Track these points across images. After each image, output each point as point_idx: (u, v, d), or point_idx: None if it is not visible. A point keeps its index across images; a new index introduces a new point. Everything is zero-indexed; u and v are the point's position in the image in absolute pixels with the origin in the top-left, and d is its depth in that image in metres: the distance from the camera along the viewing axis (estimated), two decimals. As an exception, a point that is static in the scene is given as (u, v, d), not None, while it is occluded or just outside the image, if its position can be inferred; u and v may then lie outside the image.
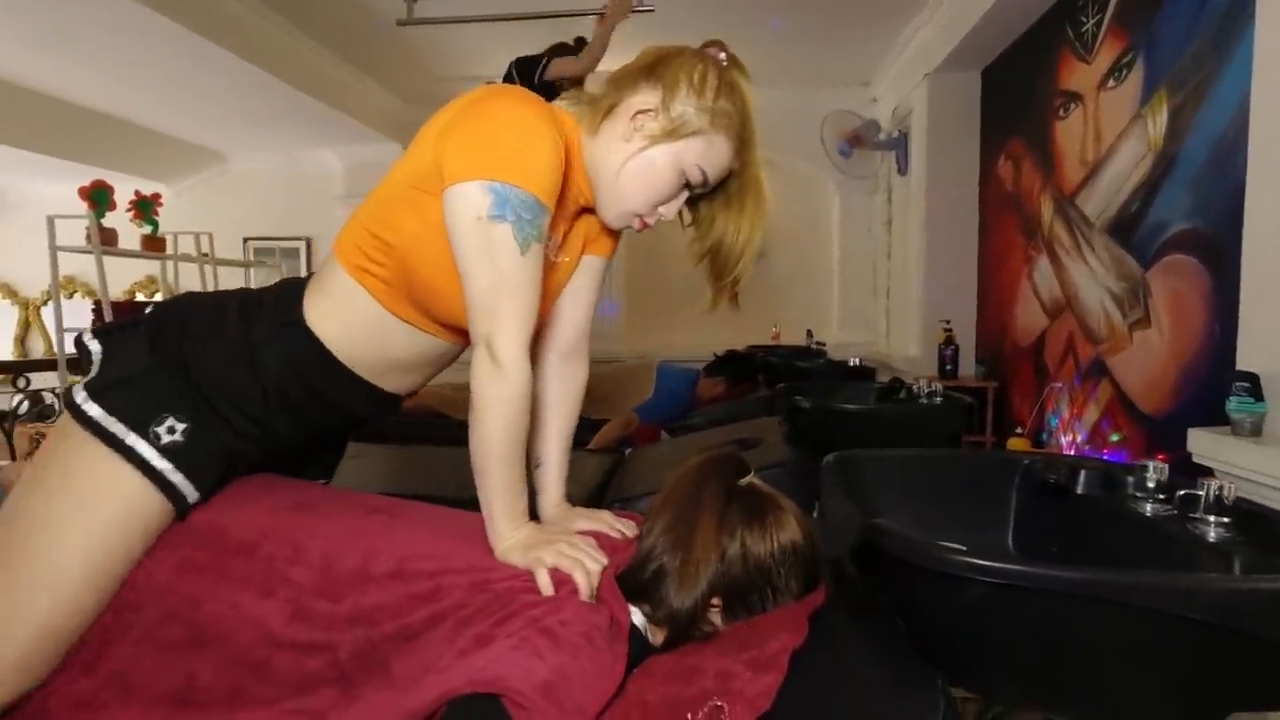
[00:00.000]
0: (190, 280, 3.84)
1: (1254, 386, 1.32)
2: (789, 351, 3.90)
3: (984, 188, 3.49)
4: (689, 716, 0.56)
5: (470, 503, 0.97)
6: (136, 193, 3.32)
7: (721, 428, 2.22)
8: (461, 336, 0.88)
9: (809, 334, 4.76)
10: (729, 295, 0.89)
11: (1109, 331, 2.33)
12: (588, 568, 0.73)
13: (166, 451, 0.77)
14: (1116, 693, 0.61)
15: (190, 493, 0.79)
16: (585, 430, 2.63)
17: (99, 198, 3.05)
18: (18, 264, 5.63)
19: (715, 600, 0.73)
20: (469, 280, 0.75)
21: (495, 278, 0.74)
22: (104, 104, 4.15)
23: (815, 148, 4.33)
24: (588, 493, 1.75)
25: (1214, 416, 1.74)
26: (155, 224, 3.37)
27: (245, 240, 5.31)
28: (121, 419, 0.76)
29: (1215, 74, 1.84)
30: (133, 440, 0.76)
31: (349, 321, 0.83)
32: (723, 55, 0.84)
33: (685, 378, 2.91)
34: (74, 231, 2.98)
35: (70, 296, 5.86)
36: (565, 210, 0.86)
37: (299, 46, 3.70)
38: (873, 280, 4.75)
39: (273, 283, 0.92)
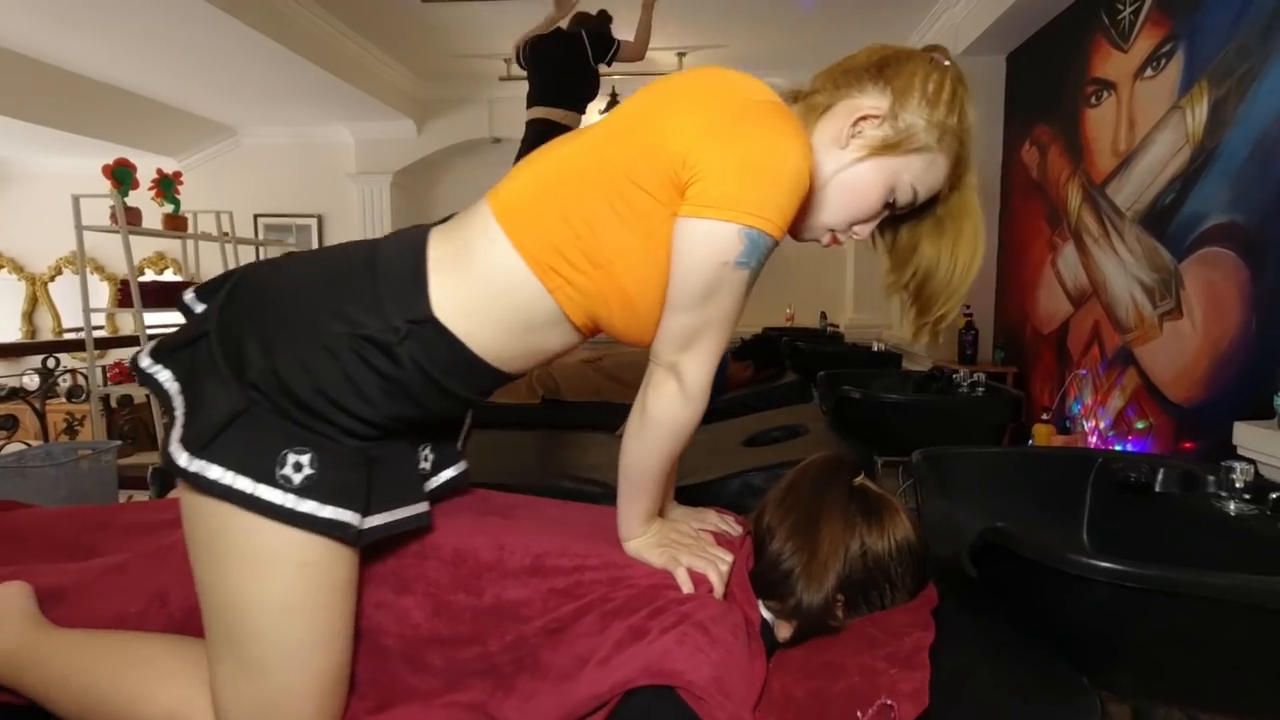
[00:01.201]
0: (209, 258, 3.82)
1: (1304, 383, 1.36)
2: (806, 334, 3.94)
3: (1006, 173, 3.50)
4: (859, 714, 0.60)
5: (525, 489, 1.00)
6: (158, 171, 3.30)
7: (761, 414, 2.25)
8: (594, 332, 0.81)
9: (823, 316, 4.79)
10: (932, 332, 0.83)
11: (1137, 321, 2.36)
12: (719, 568, 0.77)
13: (303, 489, 0.68)
14: (1235, 685, 0.65)
15: (351, 518, 0.70)
16: (617, 414, 2.66)
17: (122, 176, 3.03)
18: (23, 238, 5.57)
19: (839, 596, 0.77)
20: (681, 313, 0.70)
21: (711, 316, 0.70)
22: (109, 75, 4.08)
23: (832, 129, 4.31)
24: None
25: (1247, 408, 1.79)
26: (177, 203, 3.35)
27: (255, 217, 5.27)
28: (243, 472, 0.67)
29: (1261, 68, 1.85)
30: (263, 493, 0.67)
31: (502, 313, 0.72)
32: (947, 63, 0.76)
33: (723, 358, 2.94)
34: (89, 209, 2.94)
35: (78, 273, 5.83)
36: None
37: (312, 18, 3.63)
38: (882, 263, 4.77)
39: (360, 244, 0.78)
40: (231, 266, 3.50)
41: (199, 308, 0.76)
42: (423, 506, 0.79)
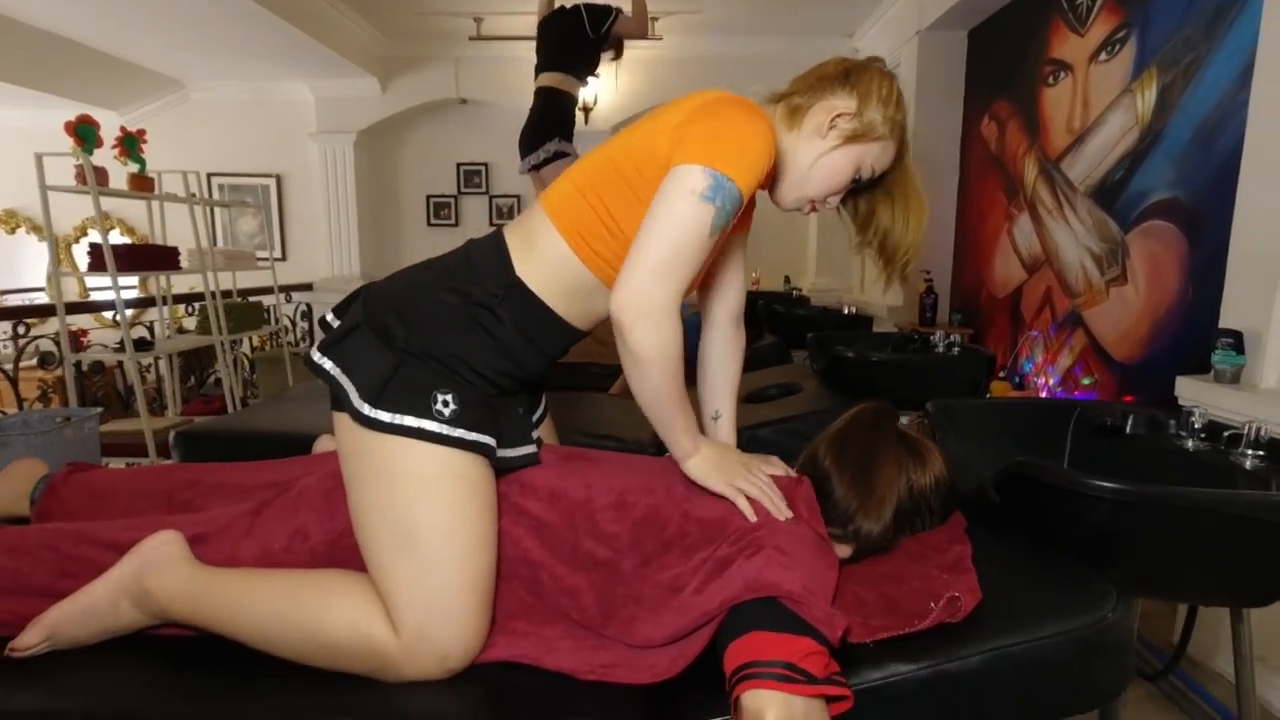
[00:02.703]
0: (177, 219, 3.71)
1: (1237, 342, 1.58)
2: (774, 298, 4.11)
3: (966, 146, 3.70)
4: (932, 605, 0.74)
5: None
6: (122, 129, 3.17)
7: (749, 374, 2.40)
8: None
9: (787, 280, 4.99)
10: (900, 276, 1.03)
11: (1086, 287, 2.60)
12: (772, 496, 0.89)
13: (452, 420, 0.86)
14: (1210, 577, 0.83)
15: (488, 440, 0.88)
16: (606, 377, 2.78)
17: (85, 134, 2.91)
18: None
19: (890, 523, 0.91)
20: (653, 234, 0.83)
21: (680, 245, 0.83)
22: (37, 19, 3.82)
23: (797, 97, 4.45)
24: (650, 436, 1.92)
25: (1182, 365, 2.03)
26: (142, 162, 3.23)
27: (209, 176, 5.08)
28: (407, 412, 0.85)
29: (1205, 58, 2.05)
30: (426, 424, 0.85)
31: (560, 281, 0.93)
32: (887, 70, 0.96)
33: (695, 324, 3.07)
34: (32, 166, 2.80)
35: (12, 232, 5.51)
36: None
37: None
38: (848, 229, 4.96)
39: (453, 250, 0.99)
40: (200, 228, 3.43)
41: (335, 322, 0.97)
42: (532, 447, 0.96)
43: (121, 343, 3.04)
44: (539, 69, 2.83)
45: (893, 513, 0.90)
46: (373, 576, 0.85)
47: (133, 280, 4.89)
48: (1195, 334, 2.04)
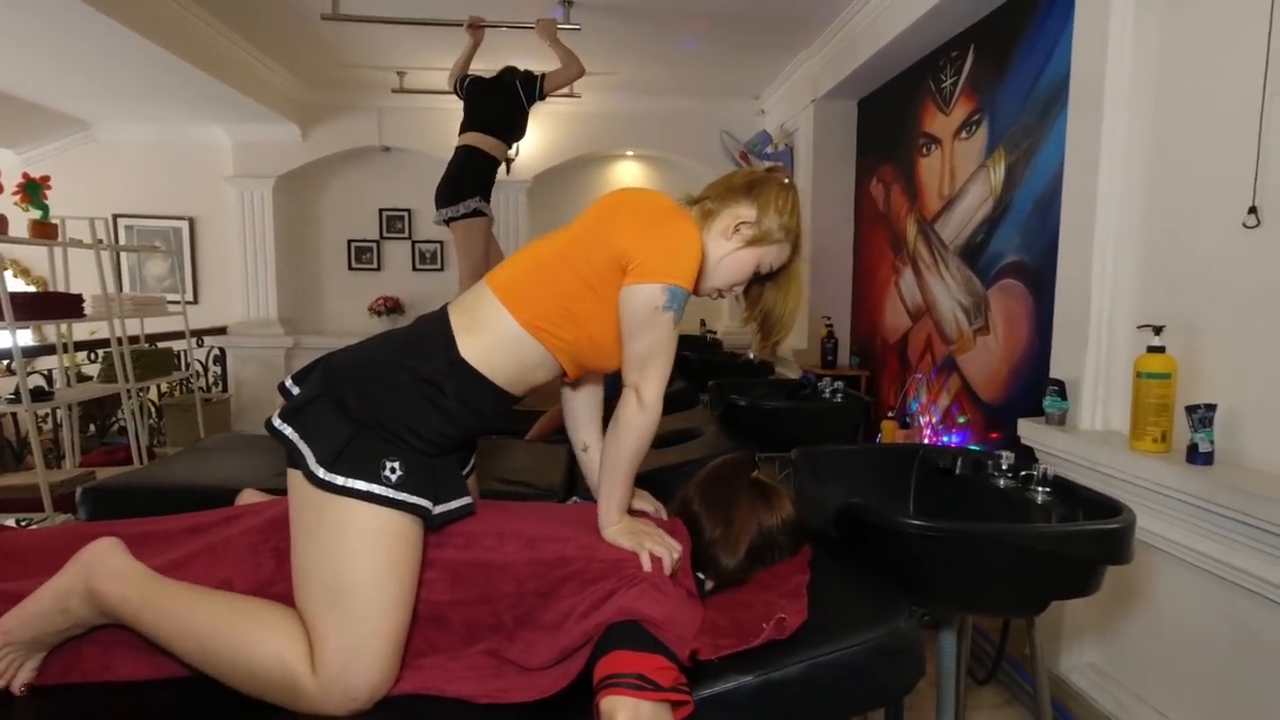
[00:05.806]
0: (81, 263, 3.62)
1: (1061, 390, 1.85)
2: (690, 341, 4.33)
3: (858, 203, 4.05)
4: (764, 625, 0.89)
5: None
6: (24, 175, 3.10)
7: (665, 417, 2.55)
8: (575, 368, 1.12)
9: (703, 324, 5.23)
10: (771, 348, 1.20)
11: (959, 335, 2.91)
12: (672, 555, 1.02)
13: (398, 485, 0.96)
14: (993, 594, 1.01)
15: (426, 504, 0.98)
16: (521, 422, 2.88)
17: (-15, 180, 2.85)
18: None
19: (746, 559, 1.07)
20: (633, 343, 1.01)
21: (654, 345, 1.00)
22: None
23: (709, 151, 4.79)
24: (563, 482, 2.03)
25: (1033, 407, 2.31)
26: (45, 209, 3.16)
27: (115, 217, 4.94)
28: (359, 476, 0.96)
29: (1039, 142, 2.40)
30: (375, 489, 0.95)
31: (506, 357, 1.04)
32: (787, 181, 1.12)
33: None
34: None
35: (-110, 273, 5.16)
36: None
37: (186, 15, 3.50)
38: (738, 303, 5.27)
39: (405, 326, 1.11)
40: (107, 275, 3.36)
41: (295, 389, 1.06)
42: (468, 499, 1.07)
43: (16, 392, 2.93)
44: (465, 126, 2.95)
45: (746, 549, 1.05)
46: (304, 619, 0.94)
47: (25, 325, 4.67)
48: (1040, 379, 2.32)
